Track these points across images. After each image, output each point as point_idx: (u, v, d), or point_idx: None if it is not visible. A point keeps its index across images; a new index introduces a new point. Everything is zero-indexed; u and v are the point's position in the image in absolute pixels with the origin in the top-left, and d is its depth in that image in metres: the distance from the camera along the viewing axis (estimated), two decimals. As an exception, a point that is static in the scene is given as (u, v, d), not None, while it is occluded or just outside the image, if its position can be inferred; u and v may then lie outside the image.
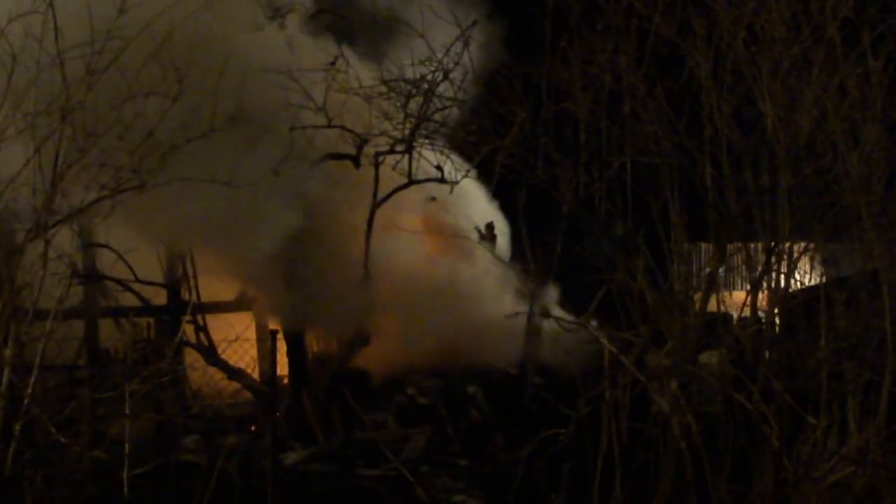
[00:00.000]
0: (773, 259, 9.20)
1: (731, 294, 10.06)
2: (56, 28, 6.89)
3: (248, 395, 14.20)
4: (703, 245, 10.46)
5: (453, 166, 13.64)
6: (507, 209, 17.41)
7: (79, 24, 7.13)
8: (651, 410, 9.89)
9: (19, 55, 6.80)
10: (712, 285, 9.66)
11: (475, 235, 17.02)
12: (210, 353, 13.39)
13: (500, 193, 16.44)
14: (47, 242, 6.80)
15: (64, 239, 6.95)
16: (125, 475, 9.03)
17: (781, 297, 9.22)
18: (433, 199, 15.82)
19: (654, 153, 9.44)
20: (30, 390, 6.81)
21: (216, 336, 13.36)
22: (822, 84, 8.94)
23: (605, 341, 9.13)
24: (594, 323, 10.35)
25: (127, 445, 8.98)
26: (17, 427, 6.72)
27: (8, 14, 6.90)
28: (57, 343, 7.36)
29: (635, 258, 9.26)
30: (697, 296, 9.84)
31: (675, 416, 9.03)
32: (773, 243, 9.21)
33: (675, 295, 9.35)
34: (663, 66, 9.78)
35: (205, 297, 13.38)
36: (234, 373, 13.78)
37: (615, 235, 9.78)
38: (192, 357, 13.30)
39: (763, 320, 9.52)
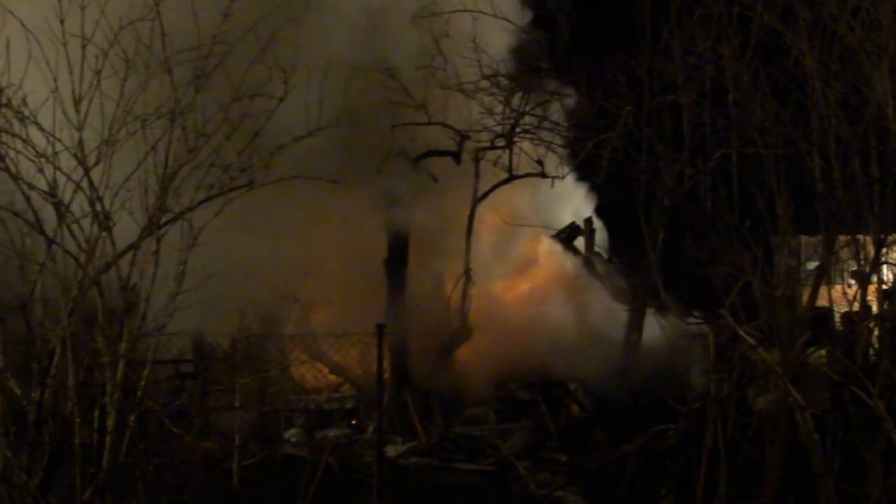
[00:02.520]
0: (884, 251, 8.98)
1: (843, 288, 9.81)
2: (163, 34, 7.06)
3: (347, 388, 14.38)
4: (804, 238, 10.23)
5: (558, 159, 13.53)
6: (605, 203, 17.33)
7: (186, 30, 7.29)
8: (756, 407, 9.74)
9: (131, 61, 6.97)
10: (821, 279, 9.45)
11: (566, 233, 17.00)
12: (314, 348, 13.58)
13: (597, 188, 16.37)
14: (159, 240, 6.96)
15: (175, 237, 7.10)
16: (234, 466, 9.24)
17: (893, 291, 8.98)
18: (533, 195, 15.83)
19: (760, 144, 9.28)
20: (143, 383, 6.98)
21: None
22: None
23: (746, 336, 8.87)
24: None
25: (237, 437, 9.19)
26: (132, 418, 6.89)
27: (119, 22, 7.08)
28: (166, 338, 7.51)
29: (741, 251, 9.10)
30: (804, 290, 9.65)
31: (783, 413, 8.88)
32: (883, 235, 8.98)
33: (783, 289, 9.15)
34: (767, 54, 9.59)
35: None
36: (337, 367, 13.96)
37: (720, 228, 9.61)
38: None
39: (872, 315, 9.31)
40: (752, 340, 8.87)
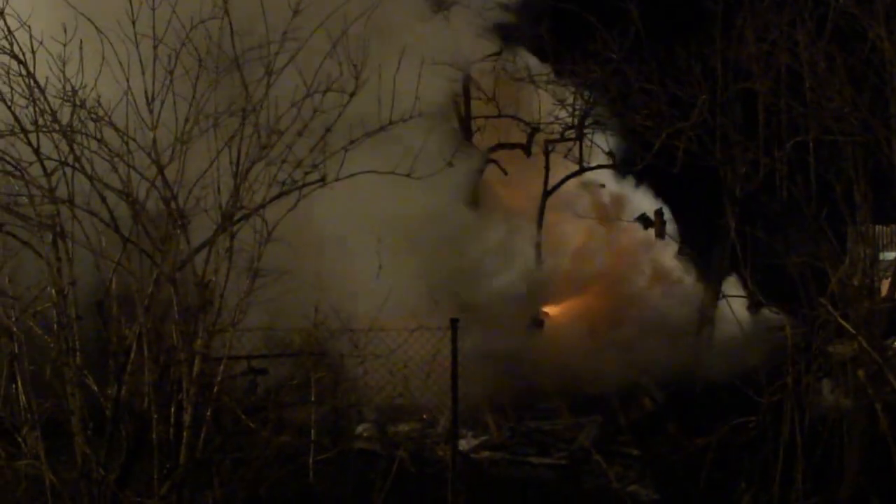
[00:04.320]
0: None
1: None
2: (233, 32, 7.10)
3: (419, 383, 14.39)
4: (880, 227, 10.02)
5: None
6: (674, 195, 17.13)
7: (256, 27, 7.33)
8: (833, 400, 9.58)
9: (202, 59, 7.03)
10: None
11: (641, 223, 16.85)
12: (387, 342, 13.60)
13: (669, 178, 16.17)
14: (232, 237, 7.01)
15: (248, 234, 7.15)
16: (310, 460, 9.28)
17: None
18: (601, 186, 15.71)
19: (837, 131, 9.10)
20: (219, 378, 7.04)
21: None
22: None
23: (847, 326, 8.67)
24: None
25: (313, 431, 9.23)
26: (208, 414, 6.95)
27: (190, 21, 7.14)
28: (241, 333, 7.55)
29: (819, 241, 8.96)
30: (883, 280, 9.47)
31: (862, 405, 8.72)
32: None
33: (861, 279, 8.98)
34: (843, 39, 9.40)
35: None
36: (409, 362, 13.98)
37: (796, 217, 9.46)
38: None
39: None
40: (852, 330, 8.69)
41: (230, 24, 7.12)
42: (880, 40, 8.89)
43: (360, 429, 13.57)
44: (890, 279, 9.28)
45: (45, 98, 6.92)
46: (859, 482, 9.00)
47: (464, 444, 13.12)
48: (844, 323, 8.69)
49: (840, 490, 9.16)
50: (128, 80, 7.01)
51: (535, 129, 13.65)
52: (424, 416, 14.05)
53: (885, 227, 10.01)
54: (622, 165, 14.41)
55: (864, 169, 9.11)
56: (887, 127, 8.87)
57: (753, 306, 12.42)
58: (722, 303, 14.87)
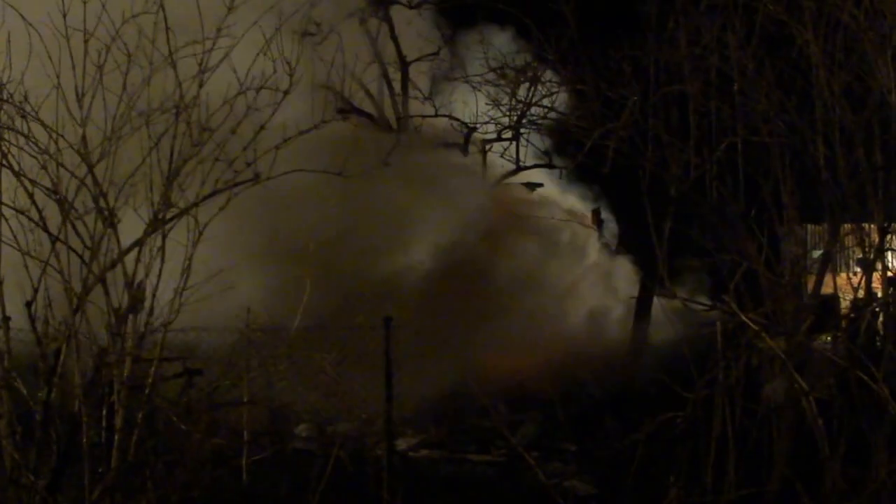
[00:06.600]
0: (889, 239, 9.00)
1: (848, 276, 9.84)
2: (167, 27, 7.04)
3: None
4: (810, 227, 10.26)
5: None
6: (612, 195, 17.30)
7: (189, 23, 7.28)
8: (763, 394, 9.76)
9: (134, 55, 6.96)
10: (826, 267, 9.47)
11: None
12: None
13: (605, 178, 16.33)
14: (164, 236, 6.95)
15: (180, 233, 7.09)
16: (244, 462, 9.24)
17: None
18: (539, 185, 15.81)
19: (765, 133, 9.28)
20: (150, 380, 6.97)
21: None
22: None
23: (749, 322, 8.84)
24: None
25: (246, 433, 9.19)
26: (140, 416, 6.88)
27: (122, 16, 7.07)
28: (173, 334, 7.48)
29: (747, 240, 9.13)
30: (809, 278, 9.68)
31: (790, 399, 8.90)
32: (887, 223, 8.99)
33: (789, 276, 9.18)
34: (772, 44, 9.60)
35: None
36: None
37: (726, 217, 9.63)
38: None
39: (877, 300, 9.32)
40: (755, 326, 8.88)
41: (165, 18, 7.05)
42: (807, 45, 9.09)
43: (298, 429, 13.51)
44: (815, 277, 9.50)
45: (-30, 93, 6.81)
46: (787, 474, 9.17)
47: (403, 443, 13.14)
48: (747, 320, 8.89)
49: (769, 481, 9.33)
50: (57, 75, 6.91)
51: (471, 129, 13.74)
52: (363, 416, 14.03)
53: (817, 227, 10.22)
54: (557, 165, 14.53)
55: (791, 170, 9.31)
56: (813, 129, 9.08)
57: (669, 300, 12.60)
58: (660, 299, 15.05)
